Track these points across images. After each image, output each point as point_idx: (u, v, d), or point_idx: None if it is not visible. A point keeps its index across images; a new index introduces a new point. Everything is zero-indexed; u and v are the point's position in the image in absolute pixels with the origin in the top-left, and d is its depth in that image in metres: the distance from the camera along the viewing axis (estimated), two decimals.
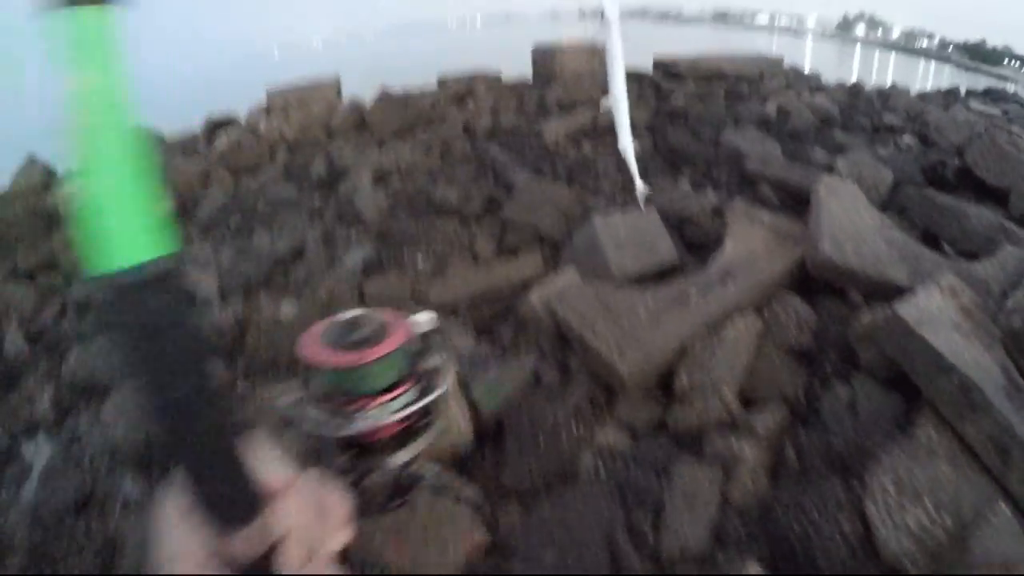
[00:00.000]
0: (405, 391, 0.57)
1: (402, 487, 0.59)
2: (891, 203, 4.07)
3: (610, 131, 4.24)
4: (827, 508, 1.95)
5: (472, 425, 2.46)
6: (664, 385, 2.63)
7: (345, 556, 0.47)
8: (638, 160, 4.24)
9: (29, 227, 5.80)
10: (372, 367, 0.55)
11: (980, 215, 3.49)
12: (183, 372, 0.38)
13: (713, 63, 8.73)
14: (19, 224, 5.86)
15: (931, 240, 3.50)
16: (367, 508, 0.53)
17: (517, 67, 9.55)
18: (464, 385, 2.56)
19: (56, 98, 0.35)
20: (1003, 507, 1.80)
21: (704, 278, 3.03)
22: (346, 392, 0.55)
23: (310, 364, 0.56)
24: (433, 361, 0.62)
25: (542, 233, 4.07)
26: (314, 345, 0.56)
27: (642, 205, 4.01)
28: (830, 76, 10.11)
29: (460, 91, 8.48)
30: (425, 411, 0.59)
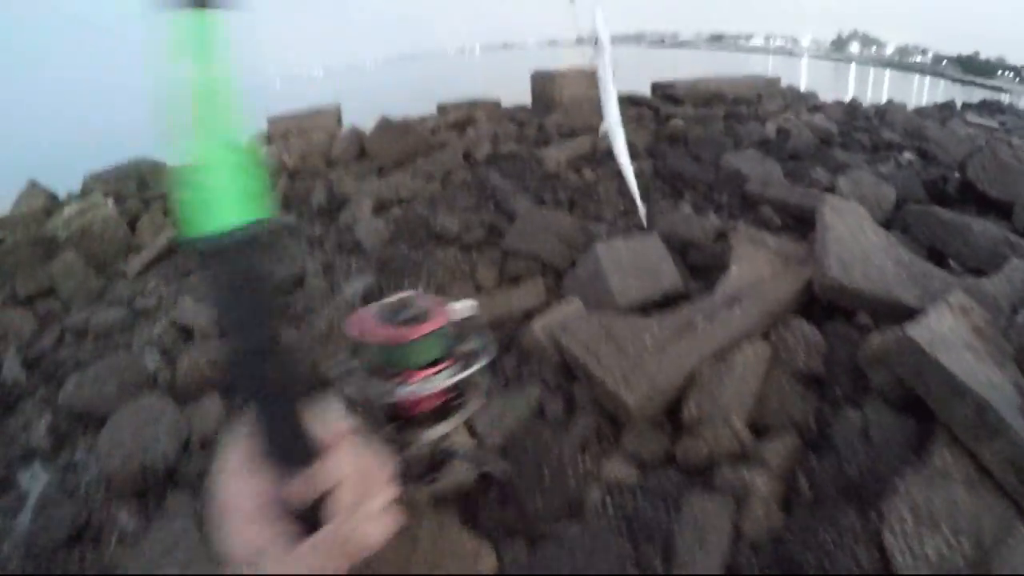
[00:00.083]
0: (444, 368, 0.63)
1: (436, 462, 0.65)
2: (895, 221, 4.05)
3: (610, 156, 4.26)
4: (843, 539, 1.90)
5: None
6: (672, 415, 2.57)
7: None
8: (639, 182, 4.23)
9: (29, 253, 5.83)
10: (416, 344, 0.61)
11: (985, 230, 3.46)
12: (262, 324, 0.44)
13: (711, 85, 8.82)
14: (19, 250, 5.89)
15: (937, 257, 3.47)
16: (406, 477, 0.56)
17: (516, 94, 9.65)
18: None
19: (166, 89, 0.41)
20: (1023, 529, 1.77)
21: (710, 304, 2.99)
22: (391, 365, 0.61)
23: (360, 340, 0.62)
24: (471, 344, 0.68)
25: (544, 261, 4.05)
26: (364, 323, 0.62)
27: (644, 223, 3.99)
28: (826, 94, 10.20)
29: (460, 118, 8.55)
30: (460, 391, 0.65)
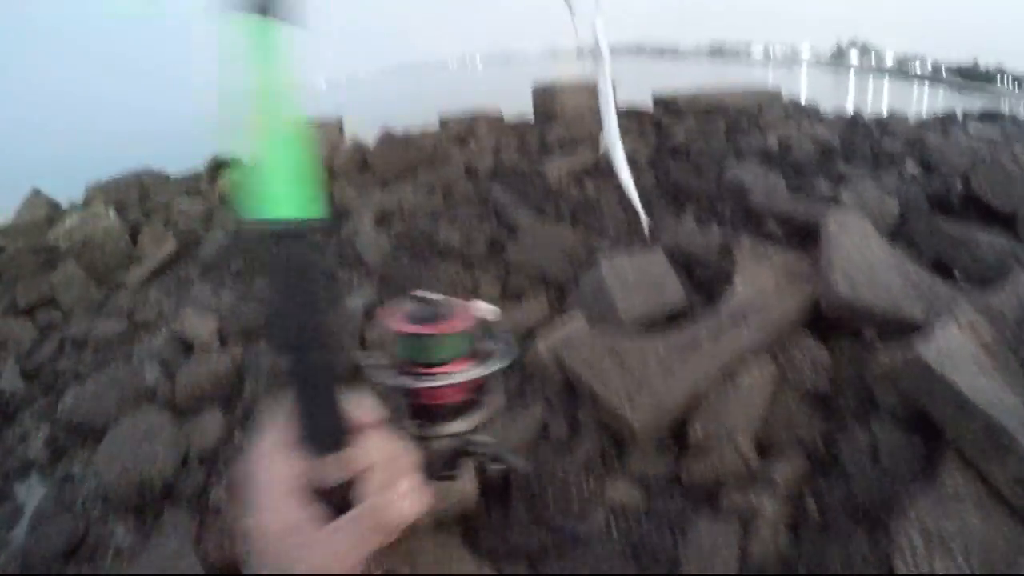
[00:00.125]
0: (467, 365, 0.66)
1: (455, 456, 0.67)
2: (899, 233, 4.02)
3: (612, 169, 4.25)
4: (852, 563, 1.88)
5: (477, 482, 2.37)
6: (677, 436, 2.54)
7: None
8: (640, 195, 4.21)
9: (30, 262, 5.84)
10: (441, 339, 0.64)
11: (990, 242, 3.44)
12: (309, 310, 0.47)
13: (712, 97, 8.81)
14: (20, 259, 5.91)
15: (942, 270, 3.44)
16: (426, 470, 0.58)
17: (518, 106, 9.66)
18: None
19: (230, 91, 0.44)
20: None
21: (715, 321, 2.96)
22: (418, 359, 0.64)
23: (390, 332, 0.66)
24: (494, 344, 0.71)
25: (547, 276, 4.03)
26: (394, 317, 0.66)
27: (647, 236, 3.97)
28: (826, 105, 10.18)
29: (462, 131, 8.56)
30: (481, 390, 0.67)
